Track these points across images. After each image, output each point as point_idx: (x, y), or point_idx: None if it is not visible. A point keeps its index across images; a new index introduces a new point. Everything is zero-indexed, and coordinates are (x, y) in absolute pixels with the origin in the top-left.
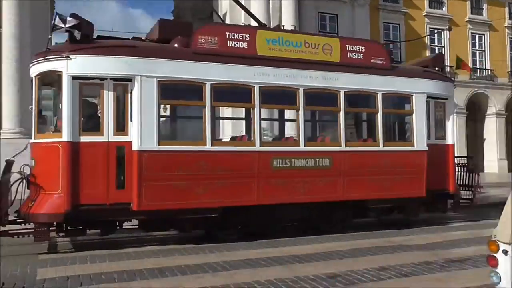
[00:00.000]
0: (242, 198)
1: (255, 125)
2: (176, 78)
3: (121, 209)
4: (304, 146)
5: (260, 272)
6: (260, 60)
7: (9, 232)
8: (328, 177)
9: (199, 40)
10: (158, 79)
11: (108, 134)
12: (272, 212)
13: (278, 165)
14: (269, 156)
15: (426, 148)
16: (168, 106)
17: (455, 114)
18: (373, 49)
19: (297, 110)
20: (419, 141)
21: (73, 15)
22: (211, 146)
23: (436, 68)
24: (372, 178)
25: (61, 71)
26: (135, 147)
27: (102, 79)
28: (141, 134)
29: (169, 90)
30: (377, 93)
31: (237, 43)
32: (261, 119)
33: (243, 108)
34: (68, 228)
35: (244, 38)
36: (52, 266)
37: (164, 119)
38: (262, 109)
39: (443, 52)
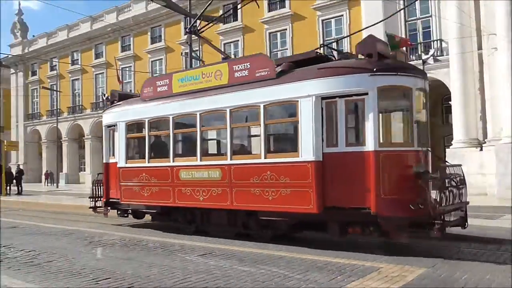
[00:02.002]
0: (166, 201)
1: (170, 145)
2: (133, 119)
3: (116, 202)
4: (200, 160)
5: None
6: (173, 96)
7: None
8: (219, 188)
9: (144, 91)
10: (126, 122)
11: (119, 158)
12: (209, 215)
13: (184, 176)
14: (178, 169)
15: (313, 159)
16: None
17: (375, 112)
18: (257, 62)
19: (196, 131)
20: (305, 151)
21: (112, 91)
22: (148, 162)
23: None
24: (259, 190)
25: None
26: (118, 165)
27: (109, 126)
28: (119, 157)
29: (132, 127)
30: (260, 106)
31: (162, 88)
32: (175, 141)
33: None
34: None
35: (165, 83)
36: None
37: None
38: (177, 134)
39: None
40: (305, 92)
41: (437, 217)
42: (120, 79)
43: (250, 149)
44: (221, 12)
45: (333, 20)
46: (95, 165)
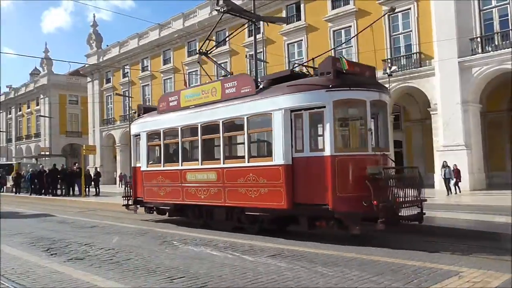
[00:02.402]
0: (177, 199)
1: (179, 152)
2: (152, 129)
3: (141, 201)
4: (201, 164)
5: None
6: (181, 110)
7: None
8: (215, 187)
9: (159, 105)
10: (146, 132)
11: (142, 163)
12: (211, 210)
13: (190, 178)
14: (185, 172)
15: (283, 162)
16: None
17: (331, 122)
18: (242, 81)
19: (198, 139)
20: (277, 156)
21: (138, 105)
22: (163, 166)
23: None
24: (244, 189)
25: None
26: (141, 169)
27: (135, 135)
28: (142, 162)
29: (151, 136)
30: (244, 117)
31: (173, 102)
32: (183, 148)
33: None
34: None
35: (175, 99)
36: None
37: (155, 151)
38: (184, 142)
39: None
40: (277, 106)
41: (380, 212)
42: (187, 83)
43: (238, 155)
44: (284, 12)
45: (400, 14)
46: None
